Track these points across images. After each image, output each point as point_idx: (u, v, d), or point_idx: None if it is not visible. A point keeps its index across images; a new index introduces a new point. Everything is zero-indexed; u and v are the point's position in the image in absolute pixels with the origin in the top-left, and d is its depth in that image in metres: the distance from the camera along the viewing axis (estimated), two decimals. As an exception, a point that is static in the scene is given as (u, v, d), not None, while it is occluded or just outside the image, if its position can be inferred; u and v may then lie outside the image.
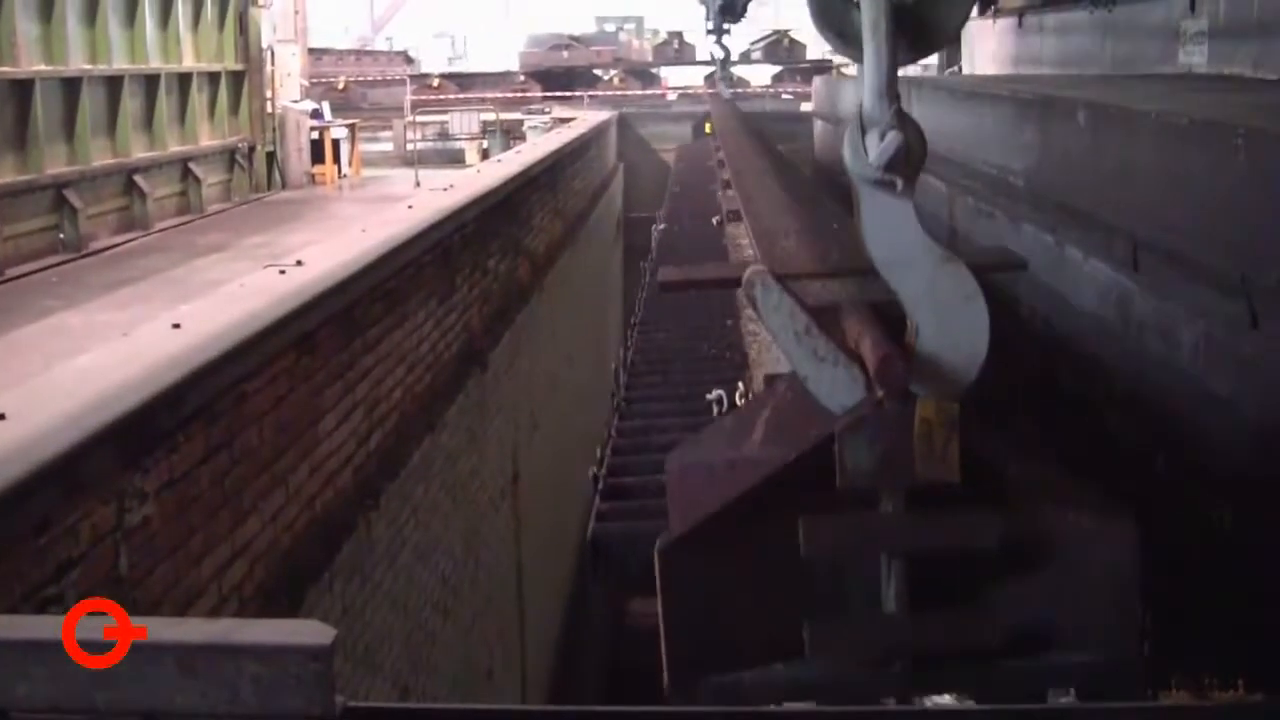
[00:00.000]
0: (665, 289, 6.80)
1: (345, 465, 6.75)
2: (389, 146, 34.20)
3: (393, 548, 7.36)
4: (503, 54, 56.37)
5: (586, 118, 26.63)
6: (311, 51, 40.71)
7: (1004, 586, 4.77)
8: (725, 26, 19.97)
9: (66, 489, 4.04)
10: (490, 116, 32.11)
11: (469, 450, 9.31)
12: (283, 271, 6.90)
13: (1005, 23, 22.79)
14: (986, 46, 24.13)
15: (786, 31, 46.42)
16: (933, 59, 32.75)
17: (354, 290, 6.95)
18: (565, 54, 39.27)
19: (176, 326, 5.54)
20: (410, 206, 9.72)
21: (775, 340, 4.69)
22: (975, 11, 25.51)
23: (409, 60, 47.04)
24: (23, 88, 17.98)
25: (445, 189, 10.85)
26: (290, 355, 6.00)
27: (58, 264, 17.95)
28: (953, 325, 4.63)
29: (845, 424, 4.55)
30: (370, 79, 38.74)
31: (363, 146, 32.72)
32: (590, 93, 37.76)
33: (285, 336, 5.91)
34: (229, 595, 5.18)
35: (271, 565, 5.65)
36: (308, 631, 2.24)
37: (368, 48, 60.40)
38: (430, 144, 32.77)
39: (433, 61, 65.59)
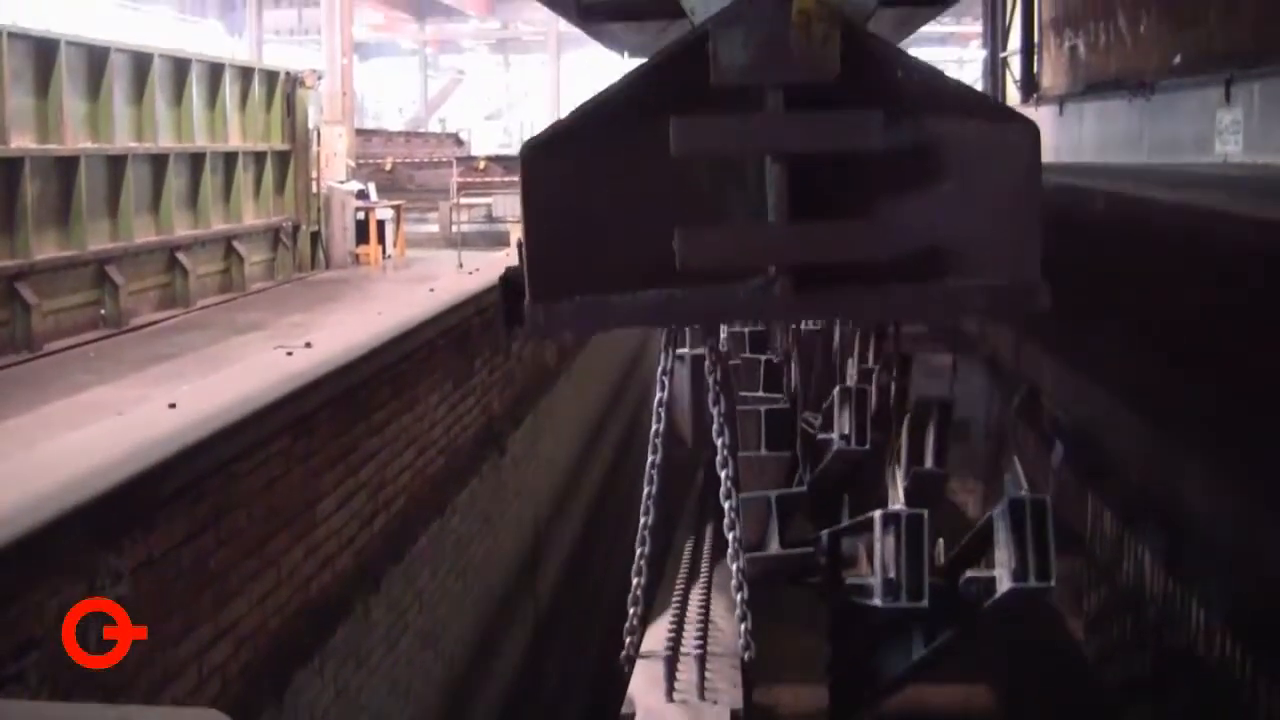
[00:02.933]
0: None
1: (345, 548, 6.74)
2: (436, 228, 34.36)
3: (394, 631, 7.34)
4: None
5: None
6: (360, 132, 41.01)
7: (897, 201, 4.49)
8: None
9: (32, 566, 4.05)
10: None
11: (484, 534, 9.28)
12: (290, 353, 6.92)
13: (1046, 110, 22.78)
14: (1028, 135, 24.08)
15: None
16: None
17: (358, 373, 6.96)
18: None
19: (172, 406, 5.56)
20: (432, 290, 9.75)
21: None
22: (1018, 99, 25.57)
23: (459, 142, 47.27)
24: (68, 164, 18.20)
25: (471, 272, 10.89)
26: (285, 437, 6.00)
27: (97, 339, 18.08)
28: None
29: (719, 16, 4.35)
30: (417, 160, 38.94)
31: (411, 228, 32.87)
32: (636, 178, 37.68)
33: (280, 418, 5.92)
34: (210, 676, 5.17)
35: (259, 647, 5.64)
36: (202, 721, 2.23)
37: (420, 129, 60.91)
38: (477, 226, 32.91)
39: (486, 144, 66.02)
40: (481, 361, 9.74)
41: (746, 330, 14.80)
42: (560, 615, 11.03)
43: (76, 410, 12.34)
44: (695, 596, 7.63)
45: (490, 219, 33.40)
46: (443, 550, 8.35)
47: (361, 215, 28.40)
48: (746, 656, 6.25)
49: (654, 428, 6.36)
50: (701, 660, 6.32)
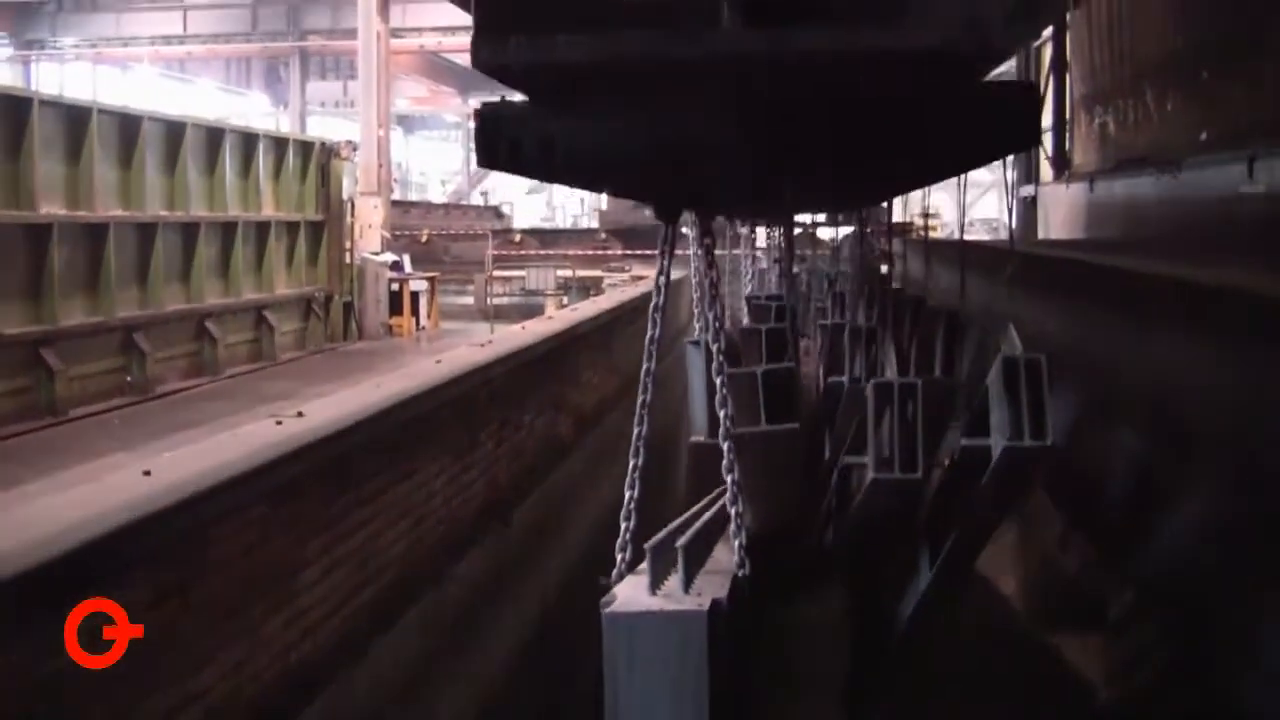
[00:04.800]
0: None
1: (330, 617, 6.70)
2: (472, 300, 34.53)
3: (380, 702, 7.28)
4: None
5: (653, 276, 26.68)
6: (399, 204, 41.28)
7: None
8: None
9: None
10: (567, 272, 32.41)
11: (485, 606, 9.22)
12: (279, 422, 6.90)
13: (1078, 187, 22.80)
14: (1060, 211, 24.12)
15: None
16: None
17: (347, 443, 6.93)
18: (646, 211, 39.22)
19: (147, 473, 5.55)
20: (438, 361, 9.75)
21: None
22: (1050, 176, 25.57)
23: (500, 216, 47.52)
24: (97, 231, 18.39)
25: (482, 345, 10.88)
26: (263, 505, 5.98)
27: (123, 406, 18.19)
28: None
29: None
30: (454, 233, 39.14)
31: (448, 300, 33.02)
32: (672, 251, 37.82)
33: (258, 487, 5.90)
34: (174, 744, 5.15)
35: (233, 713, 5.61)
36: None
37: (462, 202, 61.30)
38: (513, 298, 33.05)
39: (529, 217, 66.46)
40: (487, 434, 9.71)
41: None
42: (566, 689, 10.94)
43: (93, 478, 12.39)
44: (698, 524, 7.42)
45: (527, 292, 33.52)
46: (438, 622, 8.29)
47: (395, 286, 28.53)
48: (740, 573, 6.09)
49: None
50: (689, 565, 6.11)
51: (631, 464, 6.24)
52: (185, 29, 50.66)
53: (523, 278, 34.17)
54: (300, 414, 7.16)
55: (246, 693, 5.81)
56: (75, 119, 18.14)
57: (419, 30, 45.65)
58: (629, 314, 17.38)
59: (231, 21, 51.02)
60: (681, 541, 6.05)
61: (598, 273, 33.02)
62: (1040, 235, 25.58)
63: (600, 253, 37.27)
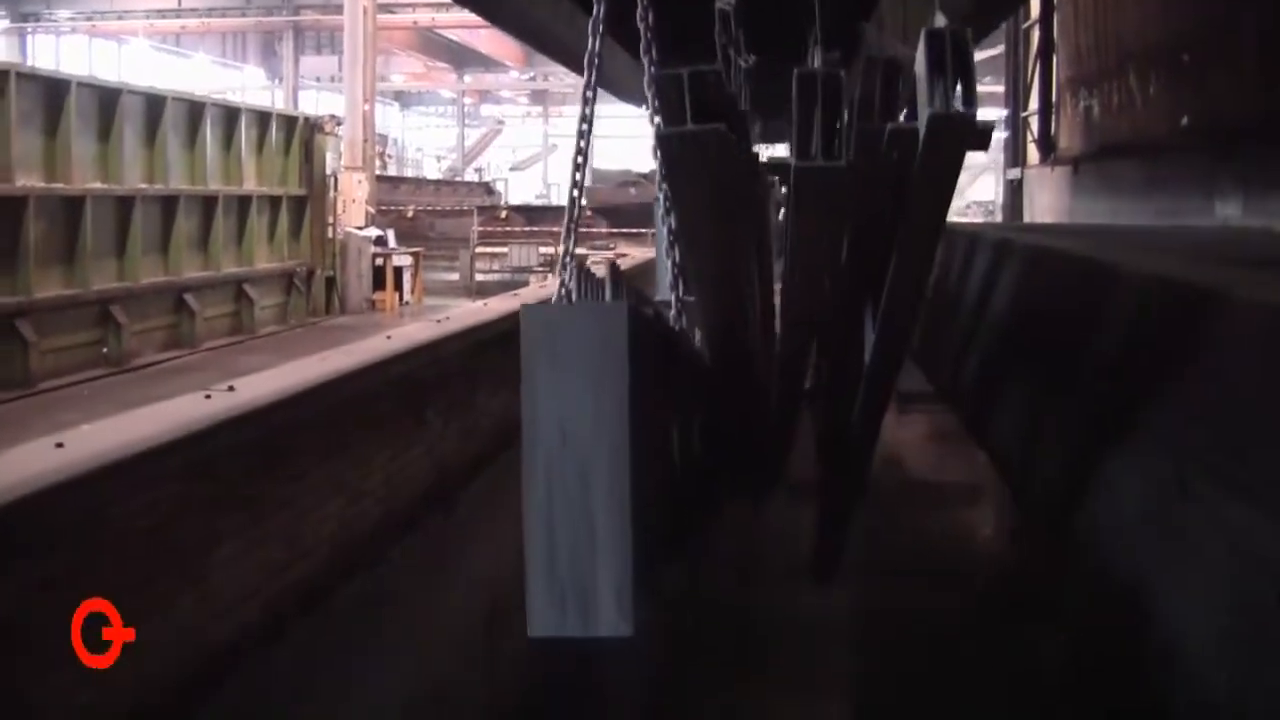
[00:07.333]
0: None
1: (249, 598, 6.62)
2: (458, 276, 34.44)
3: (304, 685, 7.19)
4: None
5: (636, 254, 26.55)
6: (388, 179, 41.20)
7: None
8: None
9: None
10: (550, 249, 32.30)
11: (428, 589, 9.13)
12: (208, 396, 6.83)
13: (1062, 170, 22.71)
14: (1045, 195, 24.03)
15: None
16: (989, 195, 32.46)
17: (276, 419, 6.85)
18: (633, 191, 38.96)
19: (59, 445, 5.48)
20: (389, 337, 9.66)
21: None
22: (1036, 159, 25.48)
23: (490, 192, 47.48)
24: (74, 204, 18.30)
25: (439, 321, 10.79)
26: (178, 481, 5.91)
27: (96, 378, 18.14)
28: None
29: None
30: (440, 209, 39.01)
31: (434, 276, 32.90)
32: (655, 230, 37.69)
33: (173, 461, 5.83)
34: (73, 722, 5.07)
35: (137, 695, 5.54)
36: None
37: (456, 178, 61.19)
38: (501, 275, 32.94)
39: (525, 193, 66.46)
40: (435, 412, 9.61)
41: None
42: (516, 674, 10.86)
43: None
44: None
45: (515, 269, 33.41)
46: (372, 605, 8.19)
47: (379, 262, 28.43)
48: (677, 326, 5.96)
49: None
50: (618, 290, 5.86)
51: (567, 216, 6.12)
52: (180, 3, 50.55)
53: (504, 255, 34.08)
54: (231, 388, 7.10)
55: (151, 671, 5.74)
56: (53, 91, 18.08)
57: (412, 6, 45.58)
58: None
59: (226, -5, 50.95)
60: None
61: (583, 251, 32.86)
62: (1026, 218, 25.51)
63: (586, 230, 37.16)
